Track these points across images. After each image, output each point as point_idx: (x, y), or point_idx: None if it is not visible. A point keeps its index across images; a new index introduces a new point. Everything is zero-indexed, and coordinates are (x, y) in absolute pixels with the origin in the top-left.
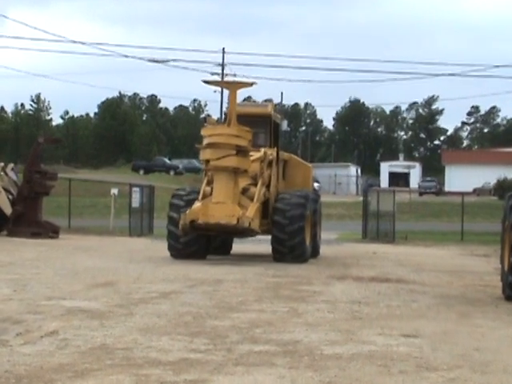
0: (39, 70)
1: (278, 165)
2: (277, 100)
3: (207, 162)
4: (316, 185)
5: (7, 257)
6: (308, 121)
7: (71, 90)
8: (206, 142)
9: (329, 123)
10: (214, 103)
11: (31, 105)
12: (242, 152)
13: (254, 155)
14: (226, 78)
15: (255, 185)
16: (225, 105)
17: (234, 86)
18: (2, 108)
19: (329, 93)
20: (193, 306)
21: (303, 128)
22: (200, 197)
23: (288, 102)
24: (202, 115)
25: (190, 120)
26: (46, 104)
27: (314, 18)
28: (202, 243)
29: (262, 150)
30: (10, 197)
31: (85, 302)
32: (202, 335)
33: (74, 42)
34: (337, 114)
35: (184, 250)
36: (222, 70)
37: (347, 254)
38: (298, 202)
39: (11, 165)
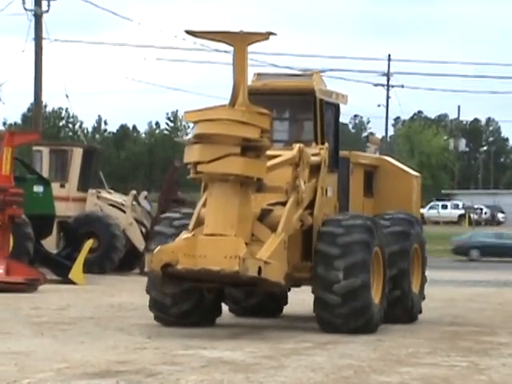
0: (176, 82)
1: (334, 171)
2: (453, 115)
3: (195, 165)
4: (501, 216)
5: (140, 298)
6: (491, 139)
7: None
8: (193, 133)
9: None
10: (378, 120)
11: (167, 123)
12: (252, 149)
13: (282, 155)
14: (392, 90)
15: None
16: (382, 119)
17: (240, 40)
18: (135, 127)
19: None
20: (354, 359)
21: (485, 148)
22: (191, 225)
23: (466, 117)
24: (364, 134)
25: (349, 139)
26: (183, 123)
27: (499, 16)
28: (209, 303)
29: (297, 146)
30: (143, 229)
31: (227, 352)
32: None
33: (217, 50)
34: None
35: (181, 320)
36: (388, 81)
37: None
38: (359, 224)
39: (144, 193)
